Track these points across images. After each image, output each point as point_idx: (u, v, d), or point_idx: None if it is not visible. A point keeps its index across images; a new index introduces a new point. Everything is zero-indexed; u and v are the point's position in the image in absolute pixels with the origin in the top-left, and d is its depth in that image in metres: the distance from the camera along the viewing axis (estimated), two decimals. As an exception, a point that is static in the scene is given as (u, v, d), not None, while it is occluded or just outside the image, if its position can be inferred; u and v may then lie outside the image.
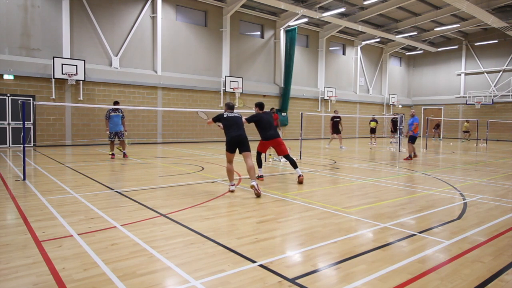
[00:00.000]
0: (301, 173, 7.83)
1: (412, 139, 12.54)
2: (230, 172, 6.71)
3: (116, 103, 11.97)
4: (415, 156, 12.62)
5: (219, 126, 7.02)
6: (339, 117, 18.02)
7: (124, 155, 12.02)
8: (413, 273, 3.20)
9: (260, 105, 8.06)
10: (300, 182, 7.70)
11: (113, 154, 11.91)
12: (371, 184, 7.84)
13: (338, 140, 18.20)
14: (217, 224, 4.67)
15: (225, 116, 6.80)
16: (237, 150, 6.75)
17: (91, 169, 9.55)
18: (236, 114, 6.90)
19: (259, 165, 8.34)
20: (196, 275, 3.10)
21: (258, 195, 6.24)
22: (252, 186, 6.22)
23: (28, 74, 15.65)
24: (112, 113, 11.66)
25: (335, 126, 18.02)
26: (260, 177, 8.15)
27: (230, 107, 7.04)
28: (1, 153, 12.99)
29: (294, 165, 7.98)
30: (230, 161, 6.69)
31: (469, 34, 30.70)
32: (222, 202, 5.91)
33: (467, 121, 27.02)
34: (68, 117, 16.85)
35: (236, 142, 6.64)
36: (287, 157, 8.09)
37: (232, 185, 6.73)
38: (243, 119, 7.57)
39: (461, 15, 25.30)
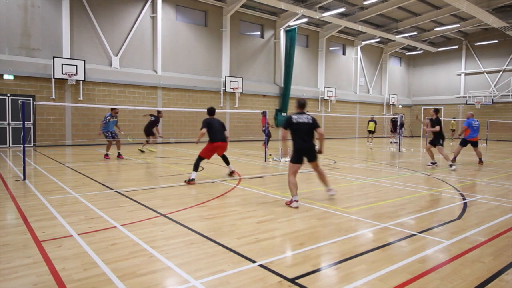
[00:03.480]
0: (233, 169, 8.48)
1: (462, 143, 11.78)
2: (293, 186, 5.62)
3: (113, 109, 11.78)
4: (480, 162, 11.62)
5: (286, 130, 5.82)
6: None
7: (119, 155, 11.94)
8: (413, 273, 3.20)
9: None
10: (231, 175, 8.35)
11: (107, 155, 11.92)
12: (371, 184, 7.83)
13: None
14: (217, 224, 4.67)
15: (294, 121, 5.69)
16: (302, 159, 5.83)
17: (91, 169, 9.55)
18: (306, 120, 5.71)
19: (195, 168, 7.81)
20: (196, 275, 3.10)
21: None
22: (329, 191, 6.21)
23: (28, 74, 15.66)
24: (111, 119, 11.62)
25: None
26: (191, 180, 7.54)
27: (301, 105, 5.87)
28: (1, 153, 12.99)
29: (227, 162, 8.47)
30: (294, 172, 5.71)
31: (469, 34, 30.70)
32: (222, 202, 5.91)
33: (454, 119, 26.94)
34: (68, 117, 16.86)
35: (303, 151, 5.75)
36: (223, 156, 8.45)
37: (296, 201, 5.51)
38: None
39: (461, 15, 25.29)
